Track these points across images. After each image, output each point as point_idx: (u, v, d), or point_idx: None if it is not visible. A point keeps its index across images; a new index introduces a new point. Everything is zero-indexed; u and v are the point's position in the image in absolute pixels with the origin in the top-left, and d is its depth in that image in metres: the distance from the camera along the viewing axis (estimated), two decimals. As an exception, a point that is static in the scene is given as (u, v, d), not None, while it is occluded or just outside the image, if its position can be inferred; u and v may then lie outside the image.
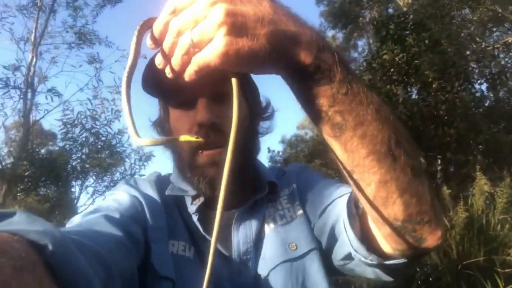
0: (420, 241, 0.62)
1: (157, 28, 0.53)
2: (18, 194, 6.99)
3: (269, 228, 0.84)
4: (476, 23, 7.73)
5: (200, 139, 0.68)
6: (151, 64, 0.65)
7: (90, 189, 8.07)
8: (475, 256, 3.40)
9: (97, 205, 0.77)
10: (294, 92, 0.57)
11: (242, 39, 0.47)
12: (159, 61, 0.55)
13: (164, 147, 0.90)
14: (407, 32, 6.10)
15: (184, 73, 0.52)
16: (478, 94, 6.81)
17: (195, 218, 0.82)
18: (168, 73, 0.55)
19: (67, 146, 7.29)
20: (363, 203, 0.62)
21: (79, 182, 7.47)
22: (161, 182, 0.90)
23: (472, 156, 6.00)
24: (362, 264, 0.71)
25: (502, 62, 7.89)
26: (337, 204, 0.79)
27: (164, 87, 0.76)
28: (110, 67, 9.38)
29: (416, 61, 5.93)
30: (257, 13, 0.48)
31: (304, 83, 0.53)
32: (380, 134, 0.54)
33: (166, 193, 0.86)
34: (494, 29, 8.86)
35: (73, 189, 7.67)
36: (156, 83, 0.73)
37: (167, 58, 0.54)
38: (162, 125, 0.90)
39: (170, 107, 0.85)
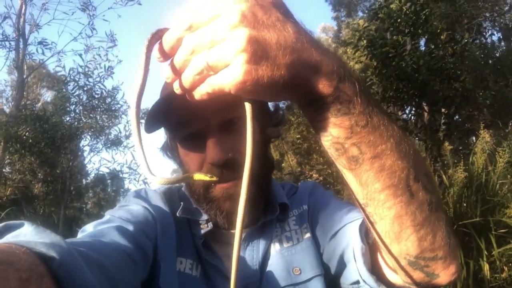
0: (433, 276, 0.60)
1: (168, 41, 0.49)
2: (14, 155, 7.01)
3: (274, 249, 0.83)
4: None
5: (214, 178, 0.66)
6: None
7: (87, 148, 8.16)
8: (471, 215, 3.41)
9: (110, 215, 0.76)
10: (308, 119, 0.53)
11: (262, 68, 0.43)
12: (167, 75, 0.52)
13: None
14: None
15: (193, 90, 0.50)
16: (488, 45, 6.50)
17: (199, 242, 0.81)
18: (177, 88, 0.52)
19: (59, 105, 7.19)
20: (375, 235, 0.60)
21: (74, 143, 7.46)
22: (171, 195, 0.90)
23: (477, 111, 5.87)
24: None
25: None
26: (348, 230, 0.77)
27: (170, 120, 0.76)
28: (103, 14, 9.03)
29: (425, 10, 5.60)
30: (280, 41, 0.44)
31: (320, 113, 0.50)
32: (398, 169, 0.51)
33: (178, 215, 0.84)
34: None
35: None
36: (163, 116, 0.72)
37: (177, 73, 0.50)
38: (171, 152, 0.88)
39: (177, 140, 0.82)
